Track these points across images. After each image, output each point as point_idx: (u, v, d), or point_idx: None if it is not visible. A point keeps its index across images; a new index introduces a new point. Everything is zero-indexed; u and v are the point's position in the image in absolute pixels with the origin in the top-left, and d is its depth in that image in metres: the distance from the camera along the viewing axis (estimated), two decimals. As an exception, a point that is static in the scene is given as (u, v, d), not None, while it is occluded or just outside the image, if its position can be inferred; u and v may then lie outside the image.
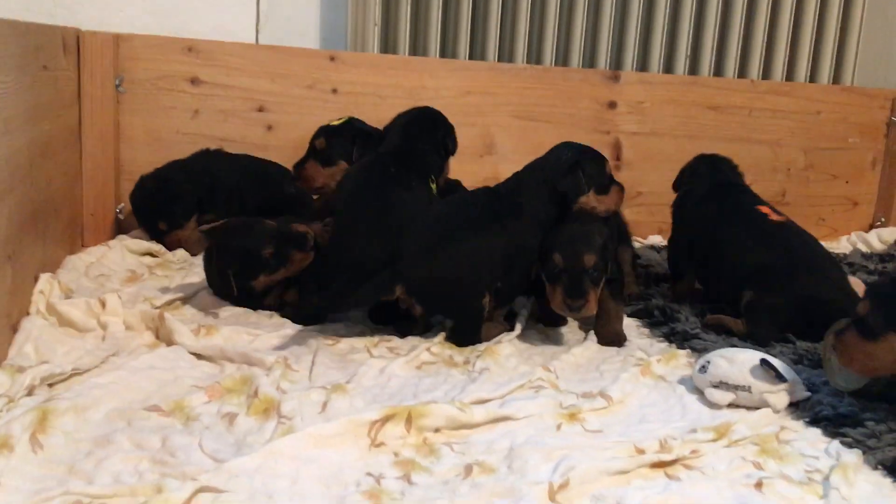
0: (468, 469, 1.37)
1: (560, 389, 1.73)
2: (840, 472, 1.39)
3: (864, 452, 1.47)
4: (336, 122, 2.43)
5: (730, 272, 2.18)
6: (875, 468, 1.43)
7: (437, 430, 1.49)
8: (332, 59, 2.84)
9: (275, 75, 2.79)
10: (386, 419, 1.46)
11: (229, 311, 2.11)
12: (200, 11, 2.88)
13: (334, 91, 2.85)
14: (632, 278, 2.38)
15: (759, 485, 1.36)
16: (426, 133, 2.25)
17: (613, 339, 2.02)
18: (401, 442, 1.45)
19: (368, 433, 1.44)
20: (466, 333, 1.94)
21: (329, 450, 1.39)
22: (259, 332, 1.95)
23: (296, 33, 3.01)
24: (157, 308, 2.03)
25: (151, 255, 2.55)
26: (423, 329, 2.01)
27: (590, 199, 2.04)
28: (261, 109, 2.81)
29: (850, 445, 1.50)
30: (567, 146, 2.11)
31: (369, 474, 1.34)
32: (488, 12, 3.07)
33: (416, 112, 2.33)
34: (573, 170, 2.02)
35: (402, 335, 1.98)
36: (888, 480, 1.40)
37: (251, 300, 2.14)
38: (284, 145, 2.78)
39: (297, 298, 2.14)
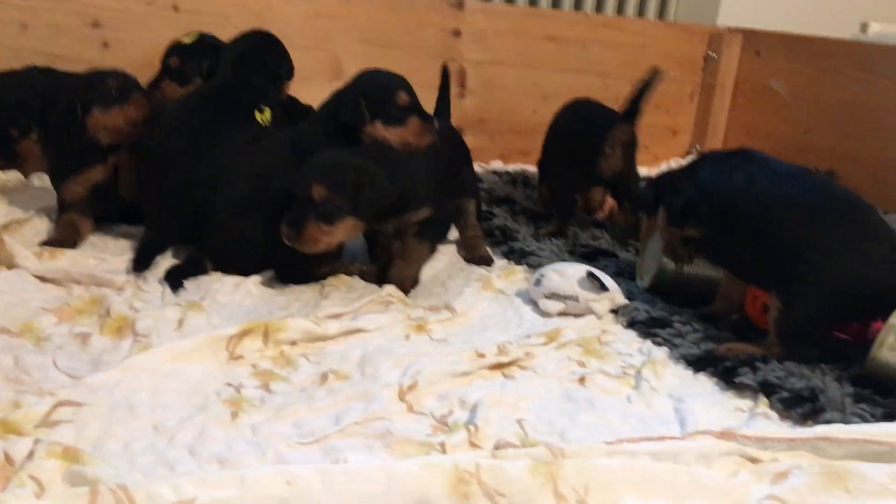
0: (324, 377, 1.47)
1: (408, 304, 1.84)
2: (650, 367, 1.59)
3: (671, 349, 1.69)
4: (187, 39, 2.37)
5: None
6: (678, 362, 1.65)
7: (293, 343, 1.57)
8: (173, -26, 2.74)
9: (111, -11, 2.67)
10: (243, 334, 1.53)
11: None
12: (24, -85, 2.68)
13: (175, 8, 2.76)
14: (477, 233, 2.23)
15: (581, 380, 1.54)
16: (257, 62, 2.17)
17: (396, 281, 1.89)
18: (258, 355, 1.52)
19: (226, 347, 1.50)
20: (290, 279, 1.89)
21: (188, 364, 1.44)
22: (105, 256, 1.94)
23: (132, -56, 2.86)
24: (-7, 231, 1.96)
25: (-20, 175, 2.42)
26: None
27: (377, 130, 1.92)
28: (96, 25, 2.68)
29: (659, 344, 1.72)
30: (361, 73, 2.03)
31: (229, 384, 1.41)
32: (335, -67, 3.04)
33: (246, 40, 2.24)
34: (354, 98, 1.93)
35: None
36: (689, 372, 1.62)
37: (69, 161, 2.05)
38: (122, 64, 2.60)
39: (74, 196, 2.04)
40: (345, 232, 1.78)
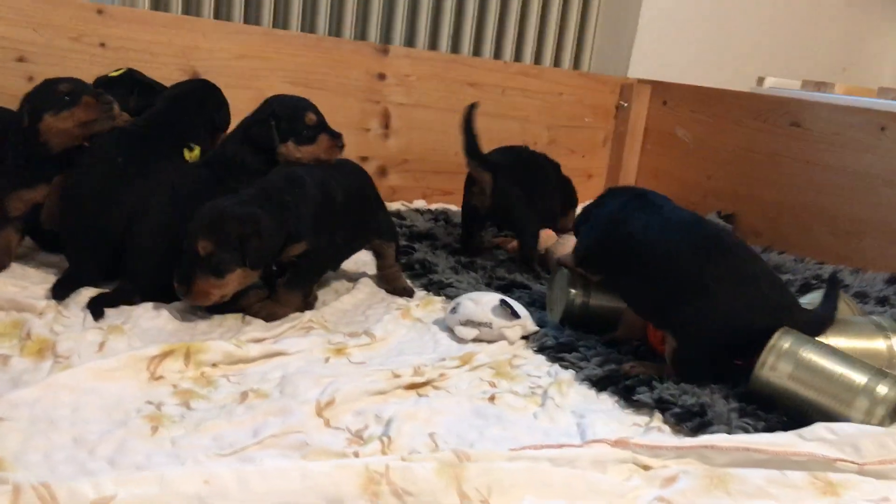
0: (244, 395, 1.52)
1: (329, 330, 1.91)
2: (556, 387, 1.70)
3: (576, 371, 1.80)
4: (114, 74, 2.41)
5: None
6: (582, 382, 1.76)
7: (214, 365, 1.62)
8: (99, 12, 2.78)
9: (37, 25, 2.69)
10: (164, 355, 1.57)
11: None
12: (-51, -50, 2.70)
13: (102, 45, 2.80)
14: (396, 269, 2.28)
15: (492, 398, 1.63)
16: (194, 105, 2.23)
17: (264, 313, 1.92)
18: (179, 375, 1.56)
19: (147, 367, 1.54)
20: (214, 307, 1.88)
21: (109, 382, 1.47)
22: (27, 284, 1.95)
23: (59, -18, 2.90)
24: None
25: None
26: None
27: (290, 150, 2.08)
28: (21, 59, 2.70)
29: (566, 367, 1.83)
30: (270, 98, 2.16)
31: (149, 402, 1.44)
32: (263, -22, 3.15)
33: (188, 84, 2.33)
34: (265, 121, 2.08)
35: None
36: (592, 392, 1.73)
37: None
38: (47, 98, 2.69)
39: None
40: (237, 282, 1.81)
